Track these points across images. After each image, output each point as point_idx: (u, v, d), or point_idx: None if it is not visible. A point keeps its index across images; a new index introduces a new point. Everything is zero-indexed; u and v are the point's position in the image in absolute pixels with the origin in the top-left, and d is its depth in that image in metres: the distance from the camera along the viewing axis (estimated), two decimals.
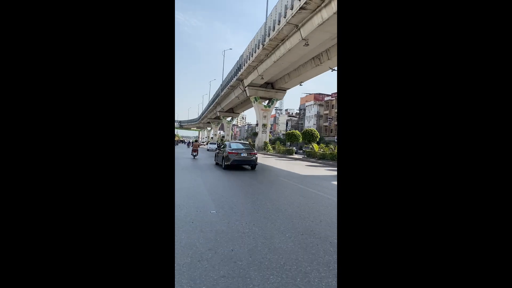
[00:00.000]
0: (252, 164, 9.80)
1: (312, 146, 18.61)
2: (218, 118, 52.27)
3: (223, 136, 53.18)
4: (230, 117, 41.46)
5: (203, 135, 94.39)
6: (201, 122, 67.11)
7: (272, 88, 26.98)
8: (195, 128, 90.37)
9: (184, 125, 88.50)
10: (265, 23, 17.96)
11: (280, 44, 17.33)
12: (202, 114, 59.05)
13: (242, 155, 9.56)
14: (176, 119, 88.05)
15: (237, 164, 9.51)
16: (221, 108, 41.90)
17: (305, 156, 18.47)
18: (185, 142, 54.12)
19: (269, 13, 17.45)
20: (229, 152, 9.52)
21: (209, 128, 73.12)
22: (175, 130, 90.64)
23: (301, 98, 52.62)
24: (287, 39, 16.36)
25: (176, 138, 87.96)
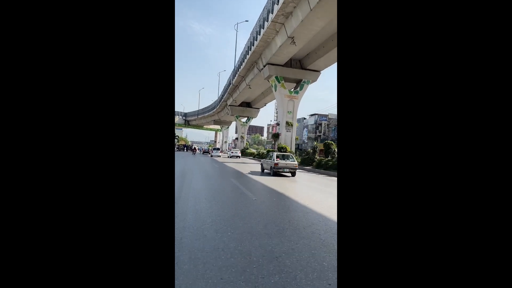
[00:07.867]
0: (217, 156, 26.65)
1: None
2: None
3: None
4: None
5: (224, 137, 52.99)
6: (223, 110, 39.29)
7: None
8: (209, 127, 58.92)
9: (191, 121, 55.60)
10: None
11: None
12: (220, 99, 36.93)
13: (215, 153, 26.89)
14: (182, 111, 65.44)
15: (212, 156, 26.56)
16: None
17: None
18: (185, 147, 43.21)
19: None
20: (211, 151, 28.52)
21: (244, 120, 37.03)
22: (182, 129, 66.57)
23: None
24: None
25: (180, 142, 50.18)
